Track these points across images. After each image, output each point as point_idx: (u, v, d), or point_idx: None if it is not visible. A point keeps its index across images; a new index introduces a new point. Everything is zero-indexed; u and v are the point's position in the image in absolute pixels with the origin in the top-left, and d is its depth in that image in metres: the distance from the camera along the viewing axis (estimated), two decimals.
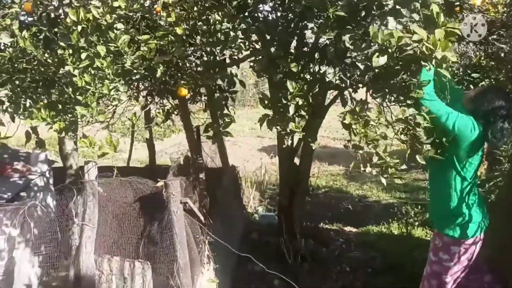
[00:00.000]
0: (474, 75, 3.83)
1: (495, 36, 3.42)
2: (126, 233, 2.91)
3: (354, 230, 5.10)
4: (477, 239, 2.64)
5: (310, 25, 2.63)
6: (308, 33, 2.83)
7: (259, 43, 2.98)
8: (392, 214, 5.41)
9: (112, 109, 2.71)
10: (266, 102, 2.49)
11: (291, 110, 2.36)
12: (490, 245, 2.81)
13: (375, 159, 2.11)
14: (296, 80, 2.42)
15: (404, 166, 2.17)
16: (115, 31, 2.20)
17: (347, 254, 4.42)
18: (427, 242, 2.88)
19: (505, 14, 3.20)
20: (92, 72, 2.19)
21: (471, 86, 3.77)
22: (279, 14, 2.87)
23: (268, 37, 2.81)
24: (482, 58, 3.88)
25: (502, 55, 3.49)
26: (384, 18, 2.04)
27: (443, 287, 2.73)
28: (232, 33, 2.57)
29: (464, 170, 2.54)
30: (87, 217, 2.72)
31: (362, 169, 2.13)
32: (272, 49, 2.55)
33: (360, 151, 2.11)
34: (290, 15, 2.82)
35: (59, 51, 2.30)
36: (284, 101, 2.37)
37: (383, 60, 2.00)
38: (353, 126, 2.09)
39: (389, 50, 1.98)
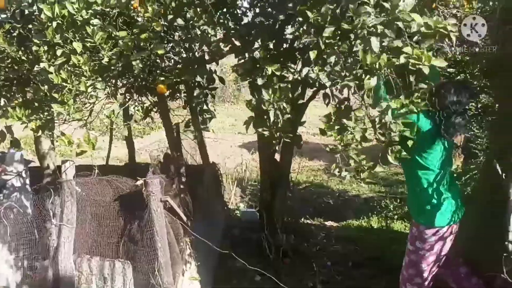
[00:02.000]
0: (450, 70, 3.89)
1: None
2: (106, 232, 2.88)
3: (335, 224, 5.15)
4: (452, 228, 2.71)
5: (292, 29, 2.66)
6: (290, 31, 2.85)
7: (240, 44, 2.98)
8: (371, 208, 5.49)
9: (90, 107, 2.66)
10: (252, 104, 2.48)
11: (271, 116, 2.37)
12: (465, 237, 2.88)
13: (351, 162, 2.16)
14: (278, 82, 2.43)
15: (378, 169, 2.22)
16: (91, 27, 2.16)
17: (328, 249, 4.47)
18: (406, 235, 2.94)
19: (479, 10, 3.26)
20: (69, 69, 2.15)
21: None
22: (260, 18, 2.89)
23: (249, 39, 2.81)
24: (457, 54, 3.95)
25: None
26: (367, 40, 2.05)
27: (420, 276, 2.80)
28: (211, 31, 2.55)
29: (425, 160, 2.64)
30: (65, 217, 2.69)
31: (337, 173, 2.18)
32: (256, 53, 2.54)
33: (337, 155, 2.16)
34: (270, 20, 2.83)
35: (34, 48, 2.25)
36: (264, 108, 2.38)
37: (374, 81, 2.04)
38: (328, 133, 2.13)
39: (378, 72, 2.02)
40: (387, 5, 2.01)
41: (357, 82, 2.09)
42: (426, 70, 1.98)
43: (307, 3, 2.17)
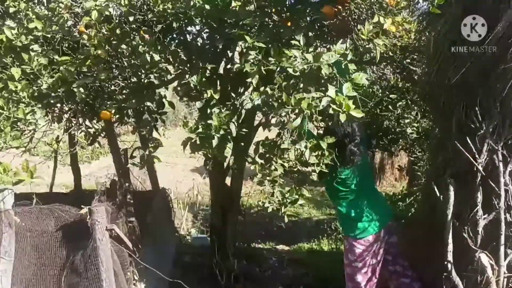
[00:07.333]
0: (392, 96, 4.09)
1: (408, 60, 3.69)
2: (47, 264, 2.74)
3: (286, 248, 5.17)
4: (377, 237, 2.87)
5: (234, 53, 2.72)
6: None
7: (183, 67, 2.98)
8: (322, 230, 5.56)
9: (30, 133, 2.56)
10: (190, 126, 2.46)
11: (214, 142, 2.39)
12: (411, 254, 3.00)
13: (275, 195, 2.35)
14: (220, 106, 2.46)
15: (301, 201, 2.48)
16: (31, 53, 2.10)
17: (280, 272, 4.46)
18: None
19: (415, 40, 3.46)
20: (6, 95, 2.07)
21: (390, 107, 4.02)
22: (201, 41, 2.92)
23: (193, 62, 2.82)
24: (399, 80, 4.16)
25: (416, 77, 3.76)
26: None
27: None
28: (156, 57, 2.54)
29: (341, 184, 2.87)
30: (2, 250, 2.55)
31: (261, 204, 2.30)
32: (194, 77, 2.55)
33: (263, 187, 2.33)
34: (214, 43, 2.87)
35: None
36: (208, 132, 2.39)
37: (298, 121, 2.16)
38: (252, 167, 2.29)
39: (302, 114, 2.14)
40: (309, 57, 2.10)
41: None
42: (343, 118, 2.08)
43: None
